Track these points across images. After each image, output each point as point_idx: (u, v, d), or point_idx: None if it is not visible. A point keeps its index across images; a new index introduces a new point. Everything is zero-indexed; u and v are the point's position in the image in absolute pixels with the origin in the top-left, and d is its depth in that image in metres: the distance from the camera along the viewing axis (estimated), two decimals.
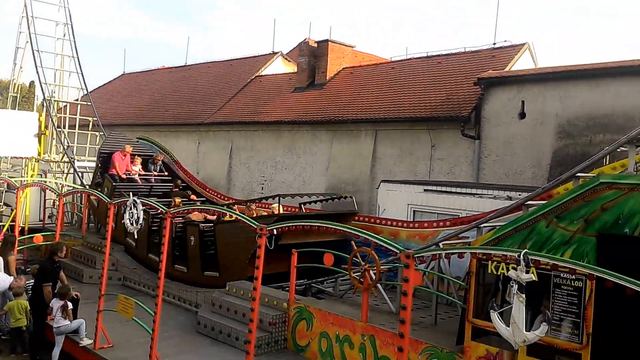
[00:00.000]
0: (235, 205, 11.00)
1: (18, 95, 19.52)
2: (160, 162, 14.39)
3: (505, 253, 5.47)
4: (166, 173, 14.36)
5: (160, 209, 8.36)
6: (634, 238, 5.50)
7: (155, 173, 14.18)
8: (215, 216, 10.41)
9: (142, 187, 13.14)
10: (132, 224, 10.11)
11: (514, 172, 13.87)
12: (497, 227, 6.81)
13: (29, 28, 18.01)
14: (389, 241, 6.56)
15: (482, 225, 7.76)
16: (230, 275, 9.22)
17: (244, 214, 8.55)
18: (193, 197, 13.33)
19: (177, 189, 13.38)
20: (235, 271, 9.22)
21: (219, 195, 13.83)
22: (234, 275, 9.13)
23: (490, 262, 6.03)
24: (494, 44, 18.20)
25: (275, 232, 7.14)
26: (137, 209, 9.84)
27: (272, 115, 20.38)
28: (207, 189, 14.12)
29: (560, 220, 6.04)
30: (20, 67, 18.75)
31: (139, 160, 13.99)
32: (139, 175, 13.77)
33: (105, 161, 13.81)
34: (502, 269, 5.84)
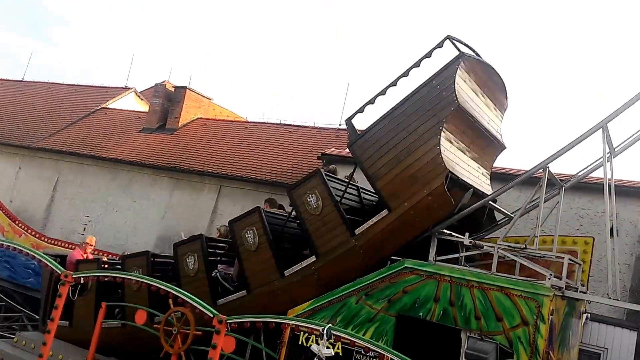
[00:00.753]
0: None
1: None
2: None
3: (311, 326, 5.72)
4: None
5: None
6: (426, 322, 6.14)
7: None
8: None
9: None
10: None
11: None
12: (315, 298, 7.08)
13: None
14: (203, 304, 6.44)
15: None
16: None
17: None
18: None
19: None
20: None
21: (29, 231, 12.47)
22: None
23: (302, 333, 6.26)
24: (340, 125, 19.70)
25: (82, 281, 6.63)
26: None
27: (112, 152, 19.24)
28: (17, 222, 12.65)
29: (368, 298, 6.53)
30: None
31: None
32: None
33: None
34: (312, 341, 6.09)
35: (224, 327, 5.93)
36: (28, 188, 20.10)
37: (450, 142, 6.93)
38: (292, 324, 6.08)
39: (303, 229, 7.43)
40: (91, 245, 10.06)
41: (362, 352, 5.81)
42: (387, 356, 5.24)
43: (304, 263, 7.14)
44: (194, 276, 7.70)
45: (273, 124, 20.70)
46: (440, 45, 7.11)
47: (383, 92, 7.29)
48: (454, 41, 7.06)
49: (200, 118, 21.16)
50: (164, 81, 21.96)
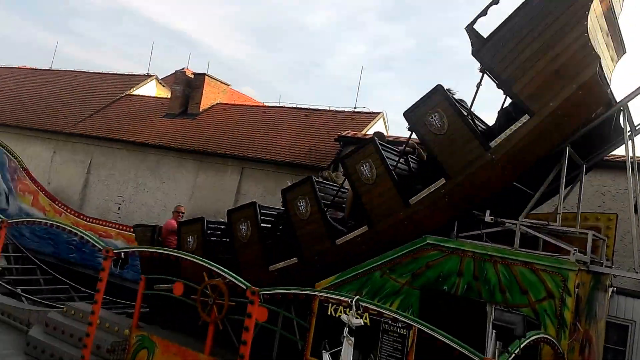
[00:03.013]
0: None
1: None
2: None
3: (340, 297, 6.04)
4: None
5: None
6: (450, 295, 6.45)
7: None
8: None
9: None
10: None
11: None
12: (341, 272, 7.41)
13: None
14: (235, 276, 6.79)
15: None
16: None
17: None
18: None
19: None
20: None
21: (68, 210, 13.06)
22: None
23: (330, 304, 6.61)
24: (355, 108, 19.99)
25: (122, 255, 7.07)
26: None
27: (139, 136, 19.82)
28: (57, 202, 13.28)
29: (392, 272, 6.86)
30: None
31: None
32: None
33: None
34: (340, 312, 6.44)
35: (257, 298, 6.30)
36: (63, 171, 20.88)
37: (595, 32, 6.20)
38: (322, 296, 6.43)
39: (429, 150, 7.02)
40: (182, 213, 10.69)
41: (390, 322, 6.09)
42: (415, 326, 5.53)
43: (432, 187, 6.73)
44: (247, 241, 7.97)
45: (289, 108, 21.07)
46: None
47: (496, 1, 6.66)
48: None
49: (220, 103, 21.59)
50: (183, 68, 22.43)
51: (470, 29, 6.79)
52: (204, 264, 7.03)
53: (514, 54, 6.29)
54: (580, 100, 5.94)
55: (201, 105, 20.86)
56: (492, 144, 6.42)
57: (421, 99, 6.82)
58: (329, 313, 6.66)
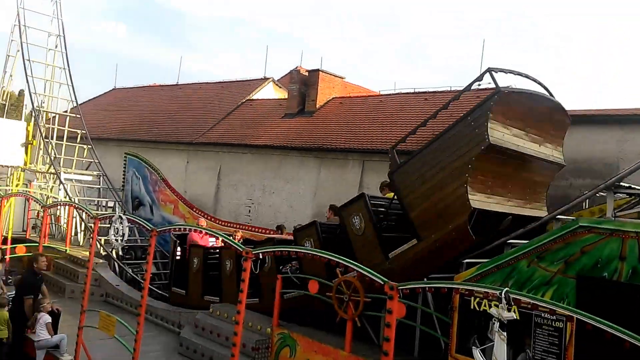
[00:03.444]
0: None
1: (7, 103, 19.48)
2: None
3: (487, 290, 5.63)
4: None
5: (146, 226, 8.36)
6: (612, 282, 5.74)
7: None
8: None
9: None
10: (117, 241, 10.12)
11: None
12: (481, 263, 7.00)
13: (20, 37, 18.09)
14: (371, 272, 6.65)
15: (465, 261, 7.96)
16: (231, 301, 9.05)
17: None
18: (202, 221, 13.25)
19: None
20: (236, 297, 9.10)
21: (206, 216, 13.89)
22: (234, 301, 9.03)
23: (472, 298, 6.21)
24: (479, 84, 18.75)
25: (260, 256, 7.22)
26: (122, 225, 9.85)
27: (261, 139, 20.57)
28: (195, 209, 14.19)
29: (541, 261, 6.25)
30: (10, 75, 18.79)
31: None
32: None
33: None
34: (485, 305, 6.01)
35: (396, 293, 6.08)
36: (196, 179, 22.41)
37: (483, 179, 7.18)
38: (465, 289, 6.05)
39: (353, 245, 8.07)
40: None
41: (543, 315, 5.60)
42: (574, 318, 4.99)
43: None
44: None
45: (407, 93, 20.46)
46: (480, 78, 7.40)
47: (424, 124, 7.76)
48: (493, 74, 7.18)
49: (336, 97, 21.63)
50: (297, 67, 22.79)
51: (391, 151, 8.01)
52: (340, 260, 6.96)
53: (415, 185, 7.46)
54: (453, 239, 7.04)
55: (317, 102, 21.09)
56: (391, 255, 7.54)
57: (350, 200, 8.21)
58: (471, 307, 6.29)
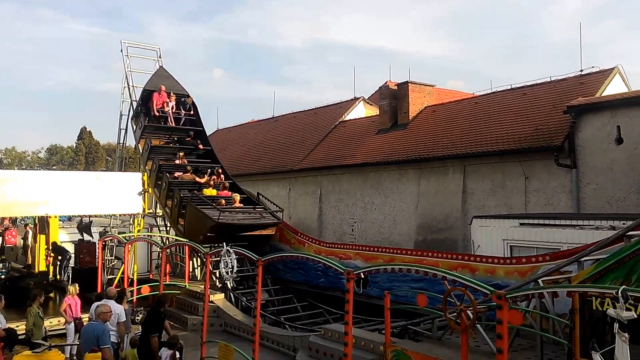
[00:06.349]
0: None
1: (123, 157, 21.45)
2: (190, 103, 18.73)
3: (602, 290, 5.16)
4: (192, 112, 18.84)
5: (252, 257, 8.68)
6: None
7: (184, 112, 18.67)
8: None
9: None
10: (227, 273, 10.64)
11: (617, 200, 13.01)
12: (600, 260, 6.46)
13: (130, 97, 19.86)
14: (477, 281, 6.38)
15: (583, 259, 7.38)
16: None
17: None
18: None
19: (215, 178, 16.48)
20: None
21: (310, 240, 14.14)
22: None
23: (594, 298, 5.72)
24: (581, 70, 17.47)
25: (362, 276, 7.18)
26: (230, 258, 10.34)
27: (358, 157, 20.70)
28: (299, 234, 14.51)
29: None
30: (125, 132, 20.58)
31: (173, 97, 18.43)
32: (172, 112, 18.23)
33: (145, 99, 18.41)
34: (607, 304, 5.51)
35: (504, 302, 5.76)
36: (299, 204, 23.04)
37: None
38: (579, 290, 5.60)
39: None
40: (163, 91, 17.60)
41: None
42: None
43: None
44: None
45: (503, 91, 19.56)
46: None
47: None
48: None
49: (428, 106, 21.24)
50: (386, 82, 22.72)
51: None
52: (444, 274, 6.76)
53: None
54: None
55: (410, 113, 20.85)
56: None
57: None
58: (594, 307, 5.79)
